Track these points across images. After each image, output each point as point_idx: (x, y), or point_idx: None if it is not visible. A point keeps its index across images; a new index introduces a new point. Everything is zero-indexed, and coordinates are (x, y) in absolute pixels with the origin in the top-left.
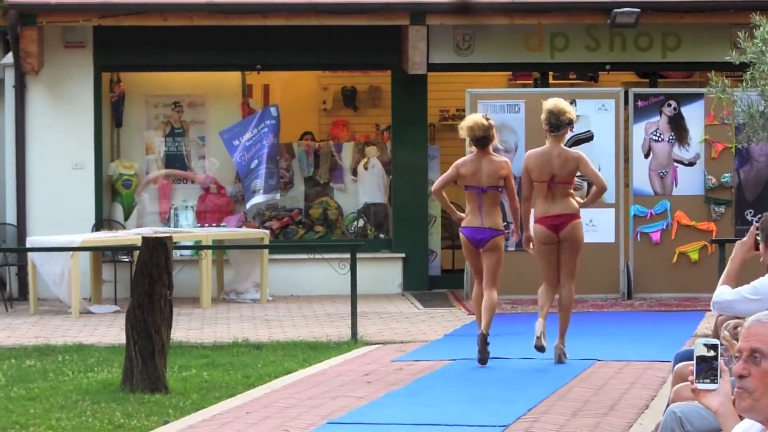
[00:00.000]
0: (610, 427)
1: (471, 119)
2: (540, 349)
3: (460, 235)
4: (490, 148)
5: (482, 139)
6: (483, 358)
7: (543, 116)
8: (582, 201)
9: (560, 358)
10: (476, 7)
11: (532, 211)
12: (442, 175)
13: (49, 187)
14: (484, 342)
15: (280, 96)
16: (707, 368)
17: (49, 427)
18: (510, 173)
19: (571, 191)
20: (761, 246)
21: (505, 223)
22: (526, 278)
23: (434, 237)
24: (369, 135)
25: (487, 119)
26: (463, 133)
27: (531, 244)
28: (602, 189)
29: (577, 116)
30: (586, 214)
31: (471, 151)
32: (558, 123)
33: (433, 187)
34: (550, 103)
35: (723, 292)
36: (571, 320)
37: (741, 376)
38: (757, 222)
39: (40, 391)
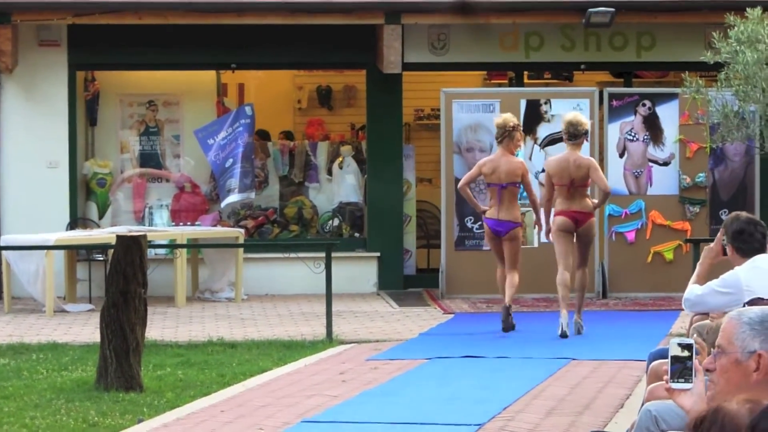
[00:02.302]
0: (585, 426)
1: (502, 116)
2: (563, 336)
3: (485, 224)
4: (510, 147)
5: (505, 134)
6: (506, 327)
7: (563, 127)
8: (595, 203)
9: (579, 331)
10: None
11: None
12: (467, 173)
13: (24, 186)
14: (507, 313)
15: (255, 95)
16: (681, 368)
17: (23, 425)
18: (527, 172)
19: (587, 192)
20: (728, 248)
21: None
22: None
23: (409, 236)
24: (344, 134)
25: (515, 122)
26: (495, 129)
27: (550, 234)
28: (605, 193)
29: (552, 116)
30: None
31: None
32: (576, 132)
33: (459, 184)
34: (569, 116)
35: (693, 288)
36: (547, 319)
37: (707, 370)
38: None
39: (14, 390)
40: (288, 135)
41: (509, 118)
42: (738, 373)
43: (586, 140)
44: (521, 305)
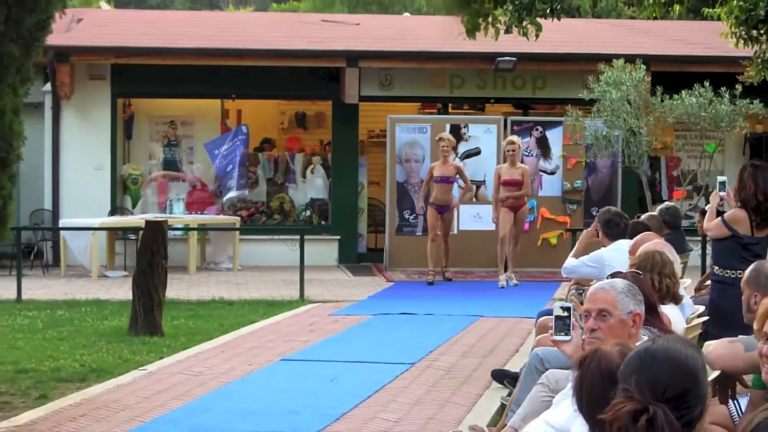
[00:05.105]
0: (490, 365)
1: (443, 133)
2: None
3: (429, 208)
4: (449, 155)
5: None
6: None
7: (504, 144)
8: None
9: (511, 279)
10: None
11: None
12: (426, 176)
13: (77, 183)
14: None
15: (250, 118)
16: (562, 325)
17: (74, 360)
18: (461, 169)
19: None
20: (600, 232)
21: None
22: (418, 256)
23: (362, 224)
24: (315, 148)
25: (448, 137)
26: (440, 140)
27: (495, 219)
28: (527, 192)
29: (469, 136)
30: (474, 209)
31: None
32: (513, 149)
33: (423, 184)
34: (509, 138)
35: (571, 260)
36: (462, 287)
37: (593, 330)
38: (597, 216)
39: (68, 334)
40: (269, 141)
41: (440, 134)
42: (622, 330)
43: (518, 152)
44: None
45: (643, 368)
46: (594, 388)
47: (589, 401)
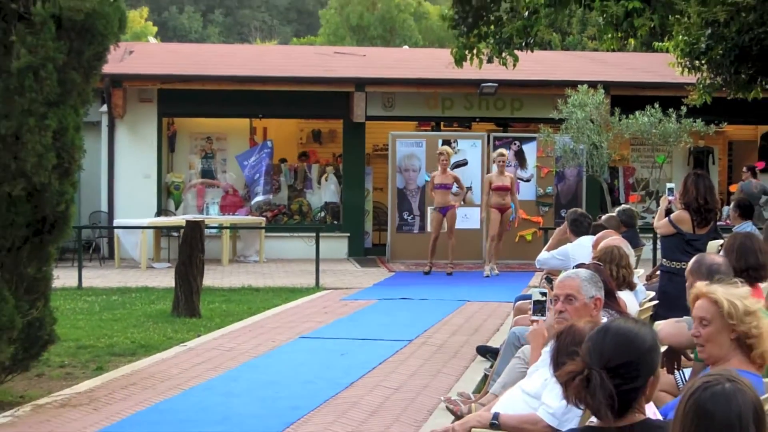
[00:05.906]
0: (475, 341)
1: (443, 147)
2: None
3: (434, 211)
4: (447, 166)
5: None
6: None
7: (494, 155)
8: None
9: (494, 270)
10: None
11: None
12: (428, 182)
13: (129, 189)
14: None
15: (274, 134)
16: (540, 307)
17: (126, 337)
18: (458, 177)
19: (508, 195)
20: (568, 230)
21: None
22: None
23: (368, 223)
24: (328, 159)
25: (448, 151)
26: (441, 154)
27: (483, 218)
28: (516, 197)
29: (458, 149)
30: (462, 211)
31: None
32: (503, 160)
33: (428, 189)
34: (499, 150)
35: (543, 254)
36: (452, 276)
37: (561, 312)
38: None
39: (120, 315)
40: (304, 154)
41: (440, 147)
42: (586, 312)
43: (505, 164)
44: (439, 267)
45: (597, 340)
46: (568, 358)
47: None
